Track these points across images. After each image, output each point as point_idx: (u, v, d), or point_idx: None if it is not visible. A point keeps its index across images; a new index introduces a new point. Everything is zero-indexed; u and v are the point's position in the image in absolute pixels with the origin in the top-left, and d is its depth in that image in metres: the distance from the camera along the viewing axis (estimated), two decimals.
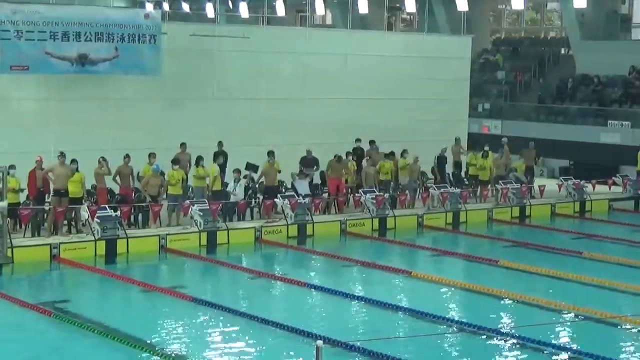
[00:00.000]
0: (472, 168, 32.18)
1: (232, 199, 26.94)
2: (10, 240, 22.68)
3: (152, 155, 26.34)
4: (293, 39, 32.84)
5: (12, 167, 23.78)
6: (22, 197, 24.76)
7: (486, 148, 32.30)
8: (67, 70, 27.12)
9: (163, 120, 29.18)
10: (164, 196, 26.38)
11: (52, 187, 24.72)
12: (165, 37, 28.47)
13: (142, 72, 28.34)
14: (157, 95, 29.07)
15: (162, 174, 26.30)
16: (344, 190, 29.38)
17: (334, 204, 29.13)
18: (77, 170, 24.60)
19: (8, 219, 22.84)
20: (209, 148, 28.05)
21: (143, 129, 28.80)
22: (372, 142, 31.30)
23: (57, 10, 26.90)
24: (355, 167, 29.99)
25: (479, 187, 31.68)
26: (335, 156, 29.08)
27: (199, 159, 26.75)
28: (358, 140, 31.18)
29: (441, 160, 32.44)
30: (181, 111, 29.49)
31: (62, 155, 24.49)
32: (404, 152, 30.37)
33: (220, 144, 28.60)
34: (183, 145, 27.84)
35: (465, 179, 32.74)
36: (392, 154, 30.50)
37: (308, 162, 29.69)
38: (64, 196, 24.24)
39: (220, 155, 27.75)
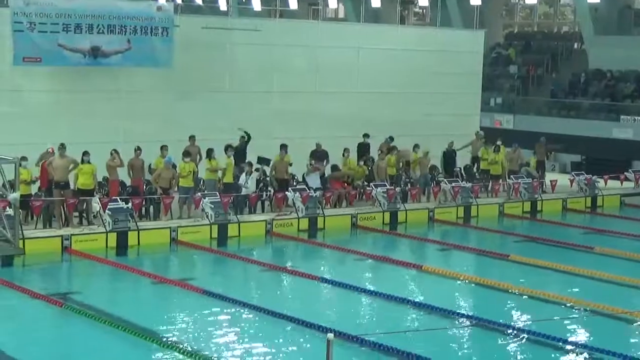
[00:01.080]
0: (484, 162, 32.10)
1: (244, 191, 26.95)
2: (22, 232, 22.69)
3: (164, 148, 26.38)
4: (305, 32, 32.80)
5: (23, 158, 23.79)
6: (34, 188, 24.84)
7: (499, 142, 32.21)
8: (80, 62, 27.15)
9: (174, 112, 29.16)
10: (175, 189, 26.38)
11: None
12: (178, 29, 28.46)
13: (154, 64, 28.34)
14: (169, 88, 29.07)
15: (174, 166, 26.32)
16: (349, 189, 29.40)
17: (345, 198, 29.14)
18: (89, 162, 24.62)
19: (20, 210, 22.87)
20: (220, 140, 28.03)
21: (154, 121, 28.80)
22: (390, 138, 31.25)
23: (70, 2, 26.90)
24: (355, 164, 29.96)
25: (491, 182, 31.61)
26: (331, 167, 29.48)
27: (210, 152, 26.76)
28: (366, 135, 31.10)
29: (448, 154, 32.33)
30: (193, 104, 29.48)
31: (62, 147, 24.45)
32: (415, 147, 30.33)
33: (244, 138, 28.53)
34: (192, 137, 27.82)
35: (476, 174, 32.66)
36: (394, 147, 30.42)
37: (318, 155, 29.68)
38: (65, 188, 24.23)
39: (232, 148, 27.66)
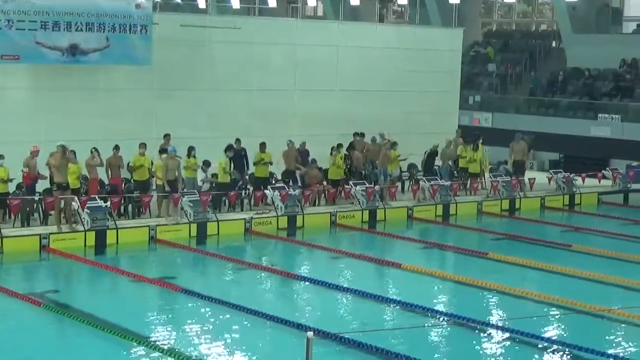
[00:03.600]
0: (462, 161, 32.14)
1: (203, 189, 26.86)
2: (0, 231, 22.66)
3: (142, 146, 26.32)
4: (284, 30, 32.77)
5: (0, 156, 23.74)
6: (12, 187, 24.74)
7: (480, 141, 32.29)
8: (58, 60, 27.02)
9: (153, 110, 29.08)
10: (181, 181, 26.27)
11: (50, 179, 24.59)
12: (156, 27, 28.38)
13: (132, 62, 28.25)
14: (148, 86, 28.98)
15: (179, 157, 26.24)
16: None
17: (324, 196, 29.17)
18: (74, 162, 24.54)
19: None
20: (199, 139, 28.00)
21: (133, 119, 28.71)
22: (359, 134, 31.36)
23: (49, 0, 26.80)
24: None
25: (469, 180, 31.69)
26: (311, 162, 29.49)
27: (191, 150, 26.70)
28: (359, 134, 31.18)
29: (431, 156, 32.36)
30: (171, 101, 29.41)
31: (63, 147, 24.21)
32: (394, 144, 30.35)
33: (238, 141, 28.50)
34: (167, 136, 27.70)
35: (455, 172, 32.73)
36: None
37: (301, 155, 29.69)
38: (66, 189, 24.10)
39: (231, 150, 27.67)
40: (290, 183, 28.68)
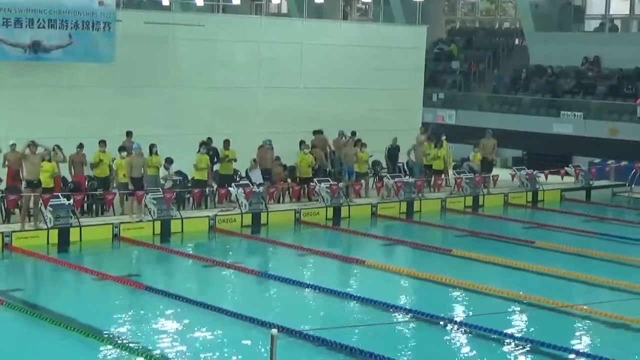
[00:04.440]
0: (426, 157, 32.22)
1: (166, 186, 26.78)
2: None
3: (101, 143, 26.19)
4: (248, 28, 32.70)
5: None
6: None
7: (443, 138, 32.41)
8: (20, 57, 26.83)
9: (117, 108, 28.91)
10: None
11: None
12: (120, 24, 28.25)
13: (96, 59, 28.09)
14: (111, 83, 28.81)
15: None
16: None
17: (289, 193, 29.17)
18: (49, 160, 24.36)
19: None
20: (163, 136, 27.91)
21: (97, 116, 28.51)
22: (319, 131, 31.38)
23: None
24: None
25: (433, 177, 31.80)
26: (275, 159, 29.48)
27: (152, 147, 26.58)
28: (319, 131, 31.22)
29: (393, 150, 32.49)
30: (135, 99, 29.26)
31: (33, 144, 24.04)
32: (363, 145, 30.25)
33: (209, 139, 28.41)
34: (129, 133, 27.59)
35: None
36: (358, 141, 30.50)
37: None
38: (37, 187, 23.90)
39: (205, 147, 27.64)
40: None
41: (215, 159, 28.32)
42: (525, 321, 18.42)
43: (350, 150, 30.03)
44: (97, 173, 26.22)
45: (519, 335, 17.19)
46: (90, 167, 26.38)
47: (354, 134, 31.13)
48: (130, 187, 25.34)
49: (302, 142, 29.74)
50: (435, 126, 36.07)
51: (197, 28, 30.30)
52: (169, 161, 27.04)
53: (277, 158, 29.60)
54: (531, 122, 41.23)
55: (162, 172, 27.02)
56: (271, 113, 31.95)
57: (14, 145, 24.94)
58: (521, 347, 16.51)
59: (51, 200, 23.73)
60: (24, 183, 24.06)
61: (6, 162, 25.07)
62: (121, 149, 26.11)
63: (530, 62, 46.15)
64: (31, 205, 23.83)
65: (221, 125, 30.23)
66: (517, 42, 50.05)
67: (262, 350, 15.16)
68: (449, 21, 55.87)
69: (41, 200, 23.71)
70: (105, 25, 27.84)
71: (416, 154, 31.91)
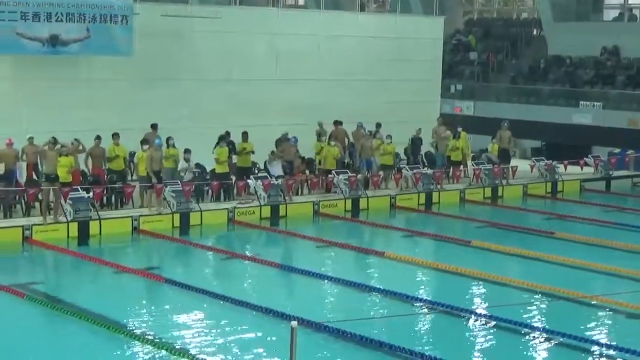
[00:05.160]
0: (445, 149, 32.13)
1: (185, 179, 26.78)
2: None
3: (115, 136, 26.18)
4: (265, 20, 32.70)
5: None
6: None
7: (459, 129, 32.32)
8: (38, 51, 26.92)
9: (134, 101, 28.99)
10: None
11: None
12: (137, 17, 28.29)
13: (113, 53, 28.15)
14: (129, 76, 28.89)
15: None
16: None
17: (307, 185, 29.14)
18: (66, 155, 24.39)
19: None
20: (180, 129, 27.97)
21: (114, 109, 28.58)
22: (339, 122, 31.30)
23: None
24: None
25: (452, 168, 31.72)
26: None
27: (169, 140, 26.59)
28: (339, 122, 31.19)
29: (416, 141, 32.43)
30: (153, 92, 29.33)
31: (54, 140, 24.05)
32: (376, 133, 30.37)
33: (227, 133, 28.43)
34: (154, 126, 27.61)
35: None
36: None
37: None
38: (55, 181, 23.95)
39: (226, 139, 27.67)
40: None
41: (232, 152, 28.31)
42: (545, 312, 18.37)
43: (367, 143, 29.97)
44: (112, 166, 26.24)
45: (539, 326, 17.14)
46: (107, 161, 26.41)
47: (378, 125, 31.03)
48: (154, 180, 25.30)
49: (325, 134, 29.65)
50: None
51: (214, 20, 30.32)
52: (188, 152, 27.00)
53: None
54: (550, 113, 41.05)
55: (182, 164, 27.01)
56: (288, 105, 31.95)
57: (31, 138, 25.05)
58: (541, 338, 16.47)
59: (71, 193, 23.78)
60: (42, 177, 24.14)
61: (24, 156, 25.18)
62: (143, 141, 26.15)
63: (548, 53, 45.97)
64: (51, 198, 23.88)
65: (238, 117, 30.21)
66: (535, 32, 49.85)
67: (282, 342, 15.15)
68: (466, 12, 55.74)
69: (61, 194, 23.77)
70: (123, 18, 27.91)
71: (439, 146, 31.85)
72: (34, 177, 25.28)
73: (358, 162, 30.51)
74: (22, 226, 23.26)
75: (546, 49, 46.19)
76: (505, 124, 32.81)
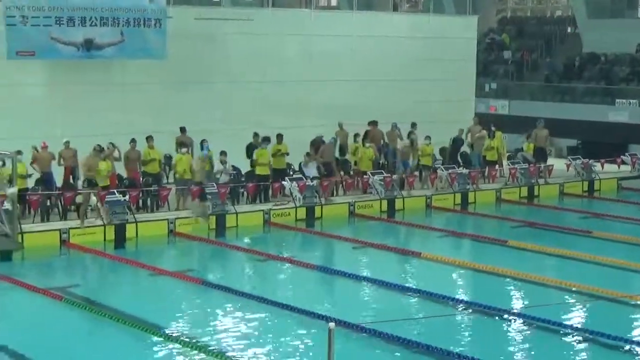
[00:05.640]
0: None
1: (221, 180, 26.81)
2: (20, 226, 22.68)
3: (149, 139, 26.27)
4: (298, 21, 32.73)
5: (19, 152, 23.75)
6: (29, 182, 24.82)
7: (493, 128, 32.17)
8: (73, 55, 27.09)
9: (168, 104, 29.10)
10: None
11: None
12: (170, 20, 28.39)
13: (147, 56, 28.28)
14: (163, 80, 29.00)
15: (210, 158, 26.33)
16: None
17: (342, 186, 29.08)
18: (104, 160, 24.54)
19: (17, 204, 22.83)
20: (214, 131, 28.04)
21: (148, 113, 28.69)
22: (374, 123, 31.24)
23: None
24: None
25: (487, 168, 31.55)
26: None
27: (203, 142, 26.66)
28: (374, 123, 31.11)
29: (457, 141, 32.28)
30: (186, 95, 29.42)
31: (100, 148, 24.38)
32: (411, 133, 30.25)
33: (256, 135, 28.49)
34: (183, 129, 27.73)
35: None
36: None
37: (318, 146, 29.57)
38: (96, 186, 24.11)
39: (267, 140, 27.72)
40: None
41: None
42: (583, 312, 18.25)
43: (404, 144, 29.94)
44: (148, 169, 26.34)
45: (577, 326, 17.03)
46: (142, 164, 26.50)
47: (414, 125, 30.94)
48: (205, 183, 25.40)
49: (356, 135, 29.61)
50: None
51: (247, 23, 30.37)
52: (223, 154, 27.00)
53: None
54: (585, 111, 40.76)
55: (217, 166, 27.02)
56: (322, 106, 31.92)
57: (68, 142, 25.21)
58: (579, 338, 16.36)
59: (107, 196, 23.88)
60: (80, 182, 24.26)
61: (61, 161, 25.33)
62: (182, 144, 26.23)
63: (583, 50, 45.68)
64: (92, 202, 24.01)
65: (272, 119, 30.24)
66: (569, 30, 49.60)
67: (320, 344, 15.12)
68: (499, 10, 55.56)
69: (98, 197, 23.87)
70: (156, 22, 28.02)
71: (475, 146, 31.72)
72: (71, 181, 25.42)
73: (398, 162, 30.39)
74: (60, 229, 23.41)
75: (581, 47, 45.91)
76: (541, 123, 32.63)
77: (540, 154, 32.48)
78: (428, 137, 30.00)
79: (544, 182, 31.65)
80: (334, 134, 30.12)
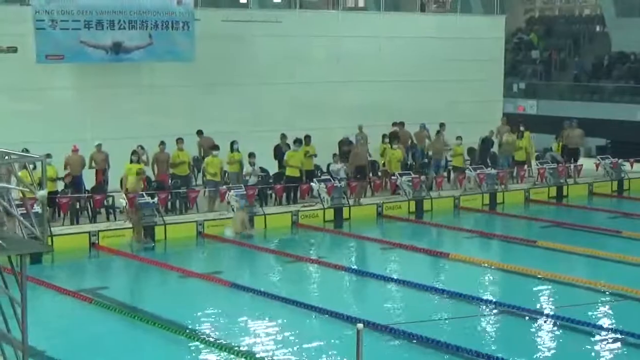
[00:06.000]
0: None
1: (249, 182, 26.84)
2: (50, 229, 22.82)
3: (179, 141, 26.39)
4: (326, 22, 32.76)
5: (48, 155, 23.88)
6: (58, 185, 24.98)
7: (522, 128, 32.06)
8: (102, 58, 27.25)
9: (197, 106, 29.21)
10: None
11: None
12: (198, 23, 28.49)
13: (175, 58, 28.40)
14: (191, 82, 29.10)
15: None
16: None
17: (370, 187, 29.06)
18: (137, 161, 24.68)
19: (47, 207, 22.96)
20: (242, 133, 28.12)
21: (177, 115, 28.84)
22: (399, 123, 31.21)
23: None
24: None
25: (515, 168, 31.45)
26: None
27: (233, 144, 26.77)
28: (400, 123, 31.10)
29: (487, 141, 32.19)
30: (215, 97, 29.53)
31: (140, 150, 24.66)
32: (458, 137, 30.15)
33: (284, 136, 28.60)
34: (200, 132, 27.91)
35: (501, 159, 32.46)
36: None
37: (347, 148, 29.56)
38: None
39: (301, 142, 27.75)
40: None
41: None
42: (613, 312, 18.13)
43: (437, 144, 29.95)
44: (177, 171, 26.44)
45: (607, 326, 16.94)
46: (170, 166, 26.61)
47: (442, 125, 30.88)
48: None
49: (384, 136, 29.58)
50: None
51: (274, 24, 30.43)
52: (252, 156, 27.04)
53: None
54: (614, 110, 40.54)
55: (247, 168, 27.07)
56: (350, 107, 31.91)
57: (99, 145, 25.36)
58: (609, 338, 16.28)
59: (136, 198, 23.98)
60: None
61: (93, 163, 25.48)
62: (214, 147, 26.34)
63: (612, 49, 45.43)
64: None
65: (300, 120, 30.29)
66: (597, 29, 49.31)
67: (348, 345, 15.13)
68: (527, 10, 55.31)
69: (126, 200, 23.98)
70: (184, 24, 28.13)
71: (504, 150, 31.62)
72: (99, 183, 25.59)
73: (420, 163, 30.38)
74: (89, 232, 23.54)
75: (609, 46, 45.67)
76: (573, 122, 32.54)
77: (574, 154, 32.36)
78: (459, 138, 29.96)
79: (573, 182, 31.53)
80: (355, 136, 30.16)
